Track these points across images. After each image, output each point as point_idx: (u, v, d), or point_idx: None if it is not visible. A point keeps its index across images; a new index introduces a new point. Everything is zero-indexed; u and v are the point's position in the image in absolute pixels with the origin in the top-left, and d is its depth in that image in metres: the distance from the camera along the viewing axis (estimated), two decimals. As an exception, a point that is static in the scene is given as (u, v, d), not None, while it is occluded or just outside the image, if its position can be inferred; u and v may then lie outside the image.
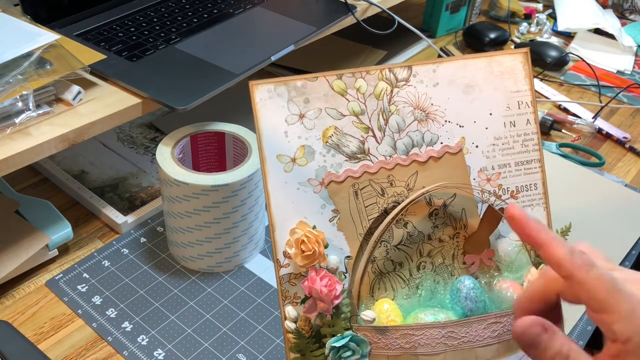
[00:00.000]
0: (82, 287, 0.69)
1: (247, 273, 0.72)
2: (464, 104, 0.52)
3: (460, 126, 0.52)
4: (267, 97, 0.49)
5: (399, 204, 0.51)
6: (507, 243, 0.52)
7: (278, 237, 0.49)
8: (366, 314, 0.48)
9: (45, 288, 0.69)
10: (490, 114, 0.52)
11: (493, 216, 0.52)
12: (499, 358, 0.49)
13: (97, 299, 0.67)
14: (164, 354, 0.62)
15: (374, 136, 0.51)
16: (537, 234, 0.39)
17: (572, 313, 0.68)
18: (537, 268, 0.50)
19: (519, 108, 0.52)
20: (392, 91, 0.51)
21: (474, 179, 0.52)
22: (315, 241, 0.48)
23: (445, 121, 0.51)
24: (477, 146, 0.52)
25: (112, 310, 0.66)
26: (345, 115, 0.50)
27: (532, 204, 0.53)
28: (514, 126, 0.52)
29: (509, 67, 0.52)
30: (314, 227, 0.49)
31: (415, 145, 0.51)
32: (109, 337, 0.63)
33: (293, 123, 0.49)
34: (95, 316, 0.66)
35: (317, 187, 0.50)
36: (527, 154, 0.52)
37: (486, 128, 0.52)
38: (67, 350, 0.62)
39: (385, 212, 0.51)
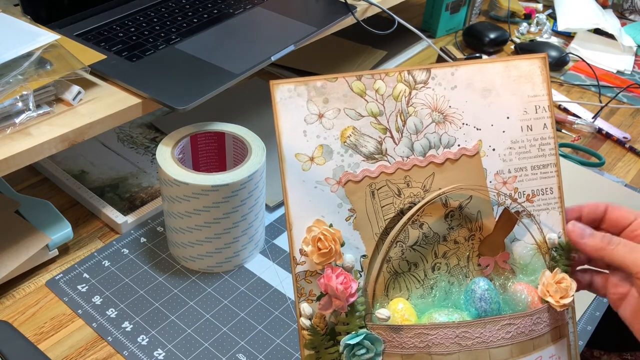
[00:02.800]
0: (82, 287, 0.69)
1: (247, 273, 0.72)
2: (482, 107, 0.52)
3: (477, 129, 0.52)
4: (287, 96, 0.50)
5: (415, 204, 0.51)
6: (522, 246, 0.52)
7: (295, 234, 0.49)
8: (381, 313, 0.48)
9: (45, 288, 0.69)
10: (508, 118, 0.52)
11: (509, 219, 0.52)
12: (513, 359, 0.49)
13: (97, 299, 0.67)
14: (164, 354, 0.62)
15: (392, 137, 0.51)
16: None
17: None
18: (551, 271, 0.51)
19: (536, 112, 0.52)
20: (410, 93, 0.51)
21: (490, 182, 0.52)
22: (332, 239, 0.48)
23: (463, 124, 0.52)
24: (494, 149, 0.52)
25: (112, 310, 0.66)
26: (363, 116, 0.51)
27: (548, 207, 0.53)
28: (531, 130, 0.52)
29: (526, 71, 0.52)
30: (331, 225, 0.49)
31: (433, 147, 0.51)
32: (109, 337, 0.63)
33: (312, 122, 0.50)
34: (95, 316, 0.66)
35: (334, 186, 0.50)
36: (543, 158, 0.52)
37: (503, 131, 0.52)
38: (67, 350, 0.62)
39: (402, 213, 0.51)
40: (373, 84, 0.51)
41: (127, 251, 0.74)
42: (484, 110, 0.52)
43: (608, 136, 1.01)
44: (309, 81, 0.50)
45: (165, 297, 0.68)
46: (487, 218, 0.52)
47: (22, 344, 0.61)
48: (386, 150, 0.51)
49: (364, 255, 0.50)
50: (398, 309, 0.49)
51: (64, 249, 0.73)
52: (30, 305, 0.67)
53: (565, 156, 0.94)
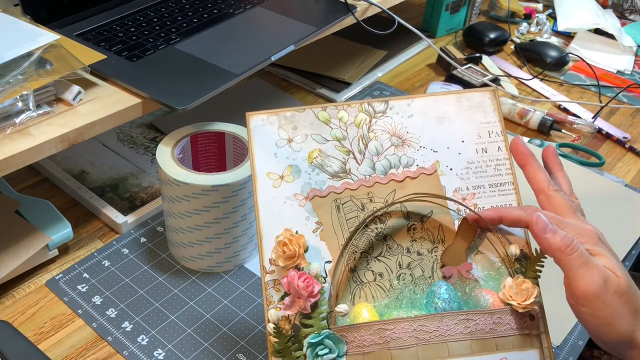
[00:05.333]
0: (82, 287, 0.69)
1: (247, 273, 0.72)
2: (437, 132, 0.56)
3: (434, 151, 0.56)
4: (260, 124, 0.55)
5: (378, 217, 0.54)
6: (486, 259, 0.54)
7: (265, 245, 0.52)
8: (340, 307, 0.50)
9: (45, 288, 0.69)
10: (463, 141, 0.56)
11: (468, 229, 0.54)
12: (473, 355, 0.49)
13: (97, 299, 0.67)
14: (164, 354, 0.62)
15: (355, 158, 0.55)
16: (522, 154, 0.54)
17: (571, 314, 0.68)
18: (512, 277, 0.52)
19: (490, 137, 0.57)
20: (370, 121, 0.56)
21: (449, 197, 0.55)
22: (296, 243, 0.51)
23: (420, 146, 0.56)
24: (451, 169, 0.56)
25: (112, 310, 0.66)
26: (328, 140, 0.55)
27: None
28: (486, 152, 0.56)
29: (477, 102, 0.57)
30: (296, 232, 0.52)
31: (393, 166, 0.55)
32: (109, 337, 0.64)
33: (282, 146, 0.55)
34: (95, 316, 0.66)
35: (302, 201, 0.54)
36: (500, 177, 0.56)
37: (459, 153, 0.56)
38: (67, 350, 0.62)
39: (364, 223, 0.54)
40: (337, 114, 0.56)
41: (127, 251, 0.74)
42: (440, 135, 0.56)
43: (608, 136, 1.01)
44: (279, 112, 0.56)
45: (165, 297, 0.68)
46: (448, 231, 0.55)
47: (22, 344, 0.61)
48: (350, 169, 0.55)
49: (328, 261, 0.52)
50: (361, 313, 0.51)
51: (64, 249, 0.73)
52: (30, 305, 0.67)
53: (565, 156, 0.94)
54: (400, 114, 0.56)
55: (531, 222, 0.47)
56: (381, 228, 0.54)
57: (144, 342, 0.63)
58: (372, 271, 0.53)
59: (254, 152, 0.54)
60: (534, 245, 0.53)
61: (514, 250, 0.53)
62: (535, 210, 0.49)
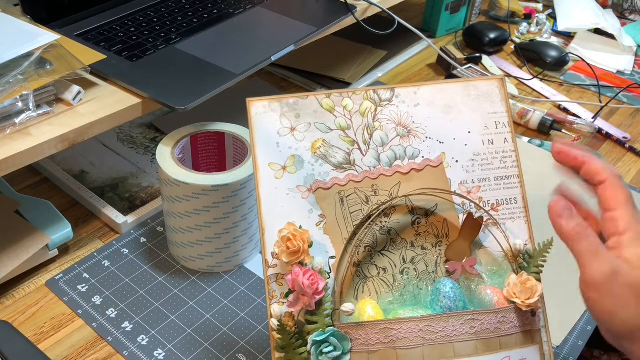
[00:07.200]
0: (82, 287, 0.69)
1: (247, 273, 0.72)
2: (444, 123, 0.55)
3: (440, 142, 0.55)
4: (262, 112, 0.54)
5: (383, 211, 0.53)
6: (490, 253, 0.54)
7: (267, 239, 0.51)
8: (345, 306, 0.50)
9: (45, 288, 0.69)
10: (469, 132, 0.55)
11: (473, 224, 0.54)
12: (478, 355, 0.50)
13: (97, 299, 0.67)
14: (164, 354, 0.62)
15: (359, 149, 0.54)
16: (577, 156, 0.48)
17: (572, 314, 0.68)
18: (517, 274, 0.52)
19: (497, 128, 0.56)
20: (376, 109, 0.55)
21: (455, 191, 0.54)
22: (301, 239, 0.50)
23: (426, 137, 0.55)
24: (457, 161, 0.55)
25: (112, 310, 0.66)
26: (332, 130, 0.54)
27: (513, 217, 0.55)
28: (492, 144, 0.55)
29: (485, 91, 0.56)
30: (300, 227, 0.51)
31: (398, 158, 0.54)
32: (109, 337, 0.63)
33: (285, 135, 0.53)
34: (95, 316, 0.66)
35: (305, 193, 0.52)
36: (506, 170, 0.55)
37: (465, 145, 0.55)
38: (67, 350, 0.62)
39: (369, 218, 0.53)
40: (341, 102, 0.55)
41: (127, 251, 0.74)
42: (446, 126, 0.55)
43: (608, 136, 1.01)
44: (282, 98, 0.54)
45: (165, 297, 0.68)
46: (453, 225, 0.54)
47: (22, 344, 0.61)
48: (354, 160, 0.54)
49: (332, 257, 0.52)
50: (366, 310, 0.51)
51: (64, 249, 0.73)
52: (30, 305, 0.67)
53: (565, 156, 0.94)
54: (407, 103, 0.55)
55: (550, 206, 0.46)
56: (385, 222, 0.53)
57: (144, 342, 0.63)
58: (376, 265, 0.53)
59: (256, 140, 0.53)
60: (537, 240, 0.53)
61: (520, 245, 0.52)
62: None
